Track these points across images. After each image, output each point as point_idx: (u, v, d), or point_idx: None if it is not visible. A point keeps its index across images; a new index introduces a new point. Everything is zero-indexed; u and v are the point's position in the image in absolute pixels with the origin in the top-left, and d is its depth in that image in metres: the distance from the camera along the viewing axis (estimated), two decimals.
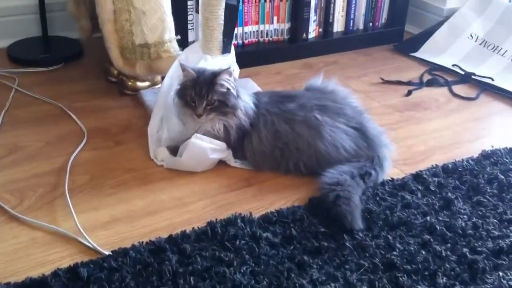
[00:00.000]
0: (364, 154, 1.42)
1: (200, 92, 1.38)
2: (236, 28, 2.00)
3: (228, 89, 1.40)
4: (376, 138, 1.46)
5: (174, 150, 1.46)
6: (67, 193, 1.32)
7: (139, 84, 1.81)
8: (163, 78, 1.58)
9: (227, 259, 1.14)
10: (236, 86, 1.43)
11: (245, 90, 1.49)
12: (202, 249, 1.16)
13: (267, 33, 2.16)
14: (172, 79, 1.52)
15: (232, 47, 1.59)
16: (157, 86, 1.82)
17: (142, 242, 1.18)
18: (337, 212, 1.26)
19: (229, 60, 1.55)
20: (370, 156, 1.42)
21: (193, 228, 1.23)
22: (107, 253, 1.16)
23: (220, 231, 1.21)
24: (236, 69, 1.61)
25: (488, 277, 1.13)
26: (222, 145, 1.44)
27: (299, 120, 1.43)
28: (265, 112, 1.45)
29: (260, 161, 1.45)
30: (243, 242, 1.19)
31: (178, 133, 1.48)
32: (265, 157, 1.44)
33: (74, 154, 1.49)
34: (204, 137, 1.42)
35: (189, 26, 1.99)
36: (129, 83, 1.81)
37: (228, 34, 1.55)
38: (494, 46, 2.16)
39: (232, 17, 1.55)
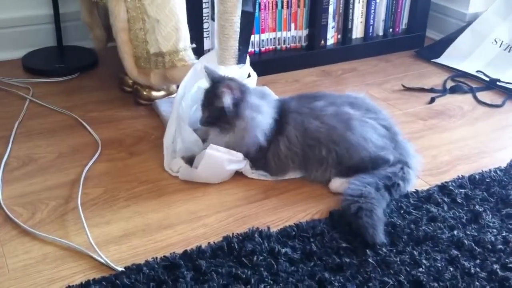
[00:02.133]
0: (390, 150, 1.39)
1: (203, 102, 1.39)
2: (252, 36, 1.97)
3: (224, 106, 1.35)
4: (405, 145, 1.43)
5: (189, 160, 1.41)
6: (79, 206, 1.29)
7: (154, 93, 1.78)
8: (178, 87, 1.54)
9: (244, 276, 1.09)
10: (246, 100, 1.37)
11: (268, 99, 1.45)
12: (218, 266, 1.12)
13: (284, 40, 2.12)
14: (186, 88, 1.49)
15: (248, 57, 1.55)
16: (172, 96, 1.78)
17: (156, 257, 1.14)
18: (359, 225, 1.21)
19: (244, 70, 1.51)
20: (396, 158, 1.38)
21: (208, 243, 1.19)
22: (120, 269, 1.12)
23: (237, 246, 1.16)
24: (253, 76, 1.57)
25: None
26: (239, 155, 1.39)
27: (329, 114, 1.40)
28: (295, 115, 1.42)
29: (285, 167, 1.41)
30: (261, 258, 1.14)
31: (193, 143, 1.44)
32: (294, 159, 1.40)
33: (88, 165, 1.46)
34: (220, 147, 1.38)
35: (205, 34, 1.96)
36: (144, 93, 1.78)
37: (244, 42, 1.52)
38: None
39: (248, 24, 1.51)
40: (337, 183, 1.37)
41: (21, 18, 2.09)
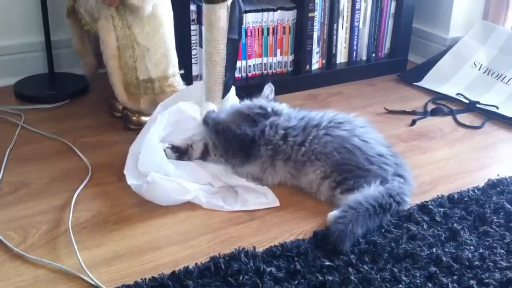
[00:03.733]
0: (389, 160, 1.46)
1: None
2: (239, 61, 2.03)
3: None
4: (402, 159, 1.53)
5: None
6: (70, 229, 1.32)
7: (144, 118, 1.82)
8: None
9: None
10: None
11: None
12: (205, 285, 1.15)
13: (270, 66, 2.18)
14: (166, 107, 1.55)
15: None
16: None
17: (145, 278, 1.17)
18: (330, 230, 1.28)
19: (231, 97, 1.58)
20: (393, 172, 1.45)
21: (196, 263, 1.22)
22: None
23: (223, 266, 1.20)
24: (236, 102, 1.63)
25: None
26: (189, 186, 1.43)
27: (328, 116, 1.53)
28: (295, 112, 1.57)
29: (277, 147, 1.49)
30: (246, 277, 1.17)
31: (158, 157, 1.48)
32: (290, 133, 1.48)
33: (78, 190, 1.49)
34: (170, 178, 1.43)
35: (193, 60, 2.01)
36: (134, 118, 1.82)
37: (230, 68, 1.57)
38: (498, 74, 2.16)
39: (234, 51, 1.57)
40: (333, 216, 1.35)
41: (13, 45, 2.14)
